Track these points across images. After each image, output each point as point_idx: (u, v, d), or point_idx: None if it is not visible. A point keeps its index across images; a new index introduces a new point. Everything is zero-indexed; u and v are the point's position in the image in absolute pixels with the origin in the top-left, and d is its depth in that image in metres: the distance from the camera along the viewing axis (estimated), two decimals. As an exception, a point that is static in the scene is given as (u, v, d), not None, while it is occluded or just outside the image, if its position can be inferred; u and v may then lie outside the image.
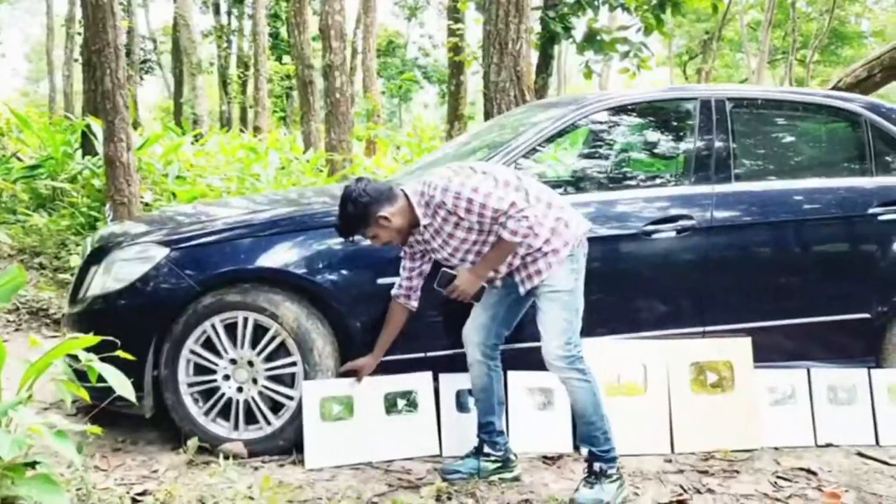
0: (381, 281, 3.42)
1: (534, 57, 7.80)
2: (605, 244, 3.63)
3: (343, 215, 3.02)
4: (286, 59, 22.77)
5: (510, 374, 3.53)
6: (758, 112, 4.14)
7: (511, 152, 3.66)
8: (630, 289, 3.72)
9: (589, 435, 3.05)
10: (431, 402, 3.48)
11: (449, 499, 2.98)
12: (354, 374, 3.39)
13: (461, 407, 3.52)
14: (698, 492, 3.14)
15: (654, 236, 3.68)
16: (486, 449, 3.25)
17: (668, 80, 28.35)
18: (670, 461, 3.46)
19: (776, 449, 3.63)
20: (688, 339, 3.69)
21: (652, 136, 4.20)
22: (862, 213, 3.88)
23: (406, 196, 3.03)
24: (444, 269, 3.10)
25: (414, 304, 3.28)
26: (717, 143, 3.87)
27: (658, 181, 4.04)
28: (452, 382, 3.51)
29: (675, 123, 4.16)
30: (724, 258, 3.75)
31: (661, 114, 4.18)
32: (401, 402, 3.46)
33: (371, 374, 3.43)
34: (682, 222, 3.69)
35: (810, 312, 3.84)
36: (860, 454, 3.60)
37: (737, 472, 3.36)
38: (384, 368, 3.47)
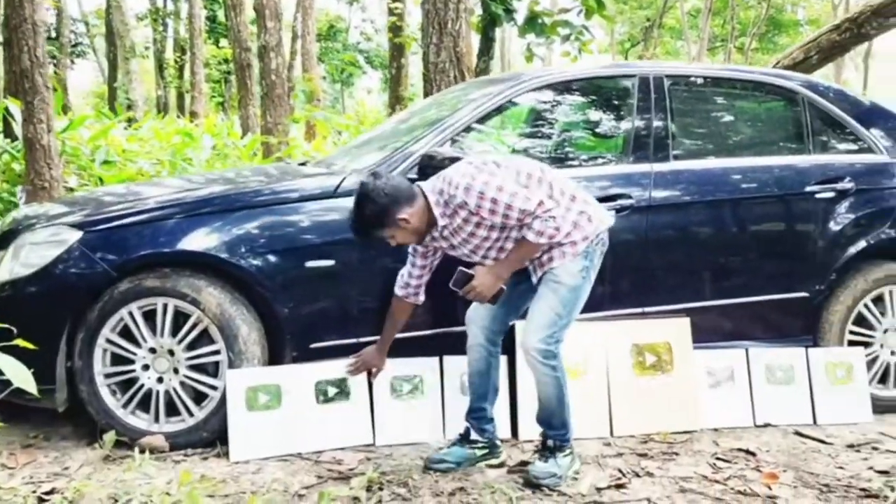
0: (309, 264, 3.27)
1: (476, 41, 7.70)
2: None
3: (359, 215, 2.84)
4: (224, 42, 22.26)
5: (445, 358, 3.42)
6: (697, 89, 4.08)
7: (447, 129, 3.55)
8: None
9: (546, 420, 3.04)
10: (365, 390, 3.35)
11: (381, 489, 2.85)
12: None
13: (396, 394, 3.39)
14: (637, 475, 3.06)
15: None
16: (474, 435, 3.16)
17: (610, 67, 28.43)
18: (609, 444, 3.39)
19: (715, 430, 3.59)
20: (627, 321, 3.62)
21: (591, 113, 4.11)
22: (799, 191, 3.85)
23: (424, 195, 2.87)
24: (460, 268, 2.93)
25: (421, 298, 3.15)
26: (656, 121, 3.80)
27: (597, 160, 3.96)
28: (387, 369, 3.37)
29: (613, 101, 4.07)
30: (663, 238, 3.68)
31: (600, 91, 4.09)
32: (332, 391, 3.31)
33: (300, 361, 3.29)
34: (620, 202, 3.61)
35: (749, 292, 3.80)
36: (798, 433, 3.58)
37: (676, 454, 3.30)
38: (315, 356, 3.33)
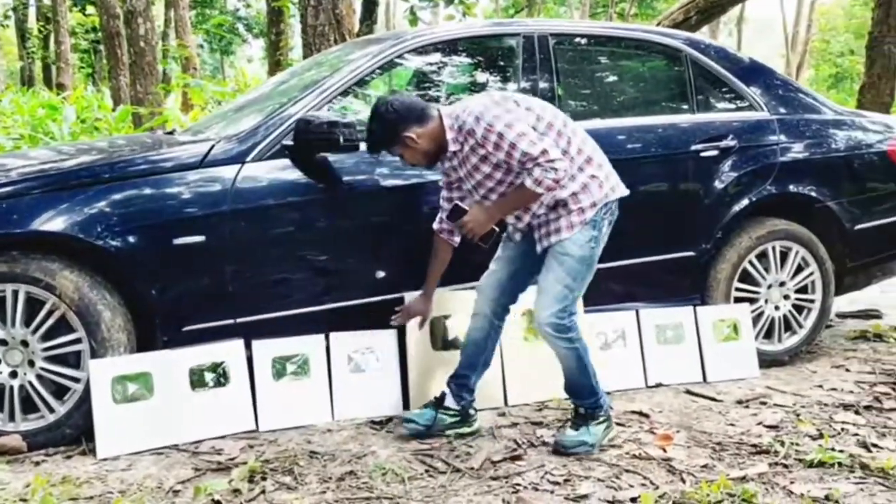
0: (178, 241, 3.00)
1: (359, 3, 7.43)
2: (425, 191, 3.39)
3: (369, 131, 2.91)
4: (92, 10, 20.97)
5: (332, 335, 3.24)
6: (582, 48, 4.00)
7: (326, 91, 3.37)
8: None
9: (572, 390, 3.02)
10: (244, 373, 3.13)
11: (264, 479, 2.66)
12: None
13: (278, 376, 3.19)
14: (533, 445, 2.98)
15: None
16: (448, 402, 3.10)
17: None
18: (504, 415, 3.31)
19: (608, 393, 3.52)
20: (518, 287, 3.52)
21: (476, 74, 3.96)
22: (685, 150, 3.82)
23: (440, 118, 2.86)
24: (456, 202, 2.93)
25: (457, 239, 3.11)
26: (542, 82, 3.70)
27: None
28: (267, 350, 3.16)
29: (499, 61, 3.94)
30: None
31: (485, 51, 3.95)
32: (209, 376, 3.08)
33: (172, 346, 3.04)
34: (507, 165, 3.49)
35: (638, 253, 3.76)
36: (689, 392, 3.59)
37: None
38: (189, 340, 3.08)
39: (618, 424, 3.18)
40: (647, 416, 3.29)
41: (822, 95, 4.53)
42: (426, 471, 2.74)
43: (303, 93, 3.39)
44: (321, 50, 6.06)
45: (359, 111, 3.56)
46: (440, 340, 3.38)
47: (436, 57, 3.79)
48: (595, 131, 3.68)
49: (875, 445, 2.91)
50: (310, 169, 3.21)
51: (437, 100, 3.84)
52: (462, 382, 3.11)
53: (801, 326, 4.05)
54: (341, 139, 3.06)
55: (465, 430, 3.09)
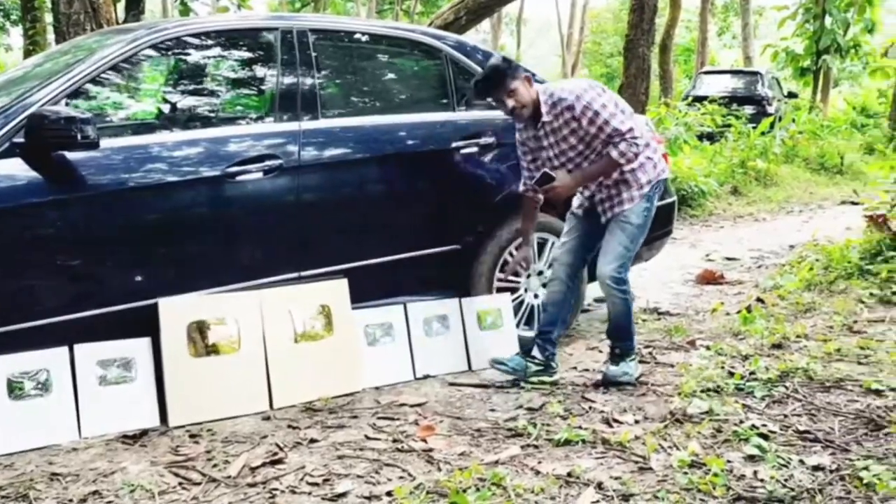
0: None
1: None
2: (184, 190, 3.26)
3: (484, 76, 3.45)
4: None
5: (77, 347, 3.02)
6: (345, 45, 3.99)
7: (71, 80, 3.14)
8: (217, 237, 3.36)
9: (616, 334, 3.63)
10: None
11: (-6, 508, 2.44)
12: None
13: (16, 394, 2.91)
14: (298, 446, 2.94)
15: (239, 178, 3.37)
16: (534, 352, 3.66)
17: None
18: (269, 418, 3.23)
19: (377, 388, 3.59)
20: (282, 287, 3.46)
21: (235, 67, 3.83)
22: (446, 146, 3.93)
23: (537, 91, 3.43)
24: (545, 170, 3.43)
25: (541, 196, 3.61)
26: (303, 78, 3.65)
27: (242, 118, 3.73)
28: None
29: (258, 55, 3.83)
30: (315, 198, 3.56)
31: (244, 44, 3.81)
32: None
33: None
34: (268, 162, 3.42)
35: (404, 248, 3.82)
36: (454, 382, 3.69)
37: (338, 418, 3.23)
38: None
39: (385, 419, 3.23)
40: (413, 408, 3.34)
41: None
42: (180, 483, 2.62)
43: (46, 81, 3.14)
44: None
45: (129, 104, 3.36)
46: (200, 347, 3.25)
47: (194, 48, 3.63)
48: (359, 128, 3.75)
49: (616, 421, 3.15)
50: (45, 168, 2.97)
51: (192, 93, 3.71)
52: (546, 337, 3.67)
53: (558, 312, 4.28)
54: (79, 136, 2.86)
55: (547, 378, 3.61)
